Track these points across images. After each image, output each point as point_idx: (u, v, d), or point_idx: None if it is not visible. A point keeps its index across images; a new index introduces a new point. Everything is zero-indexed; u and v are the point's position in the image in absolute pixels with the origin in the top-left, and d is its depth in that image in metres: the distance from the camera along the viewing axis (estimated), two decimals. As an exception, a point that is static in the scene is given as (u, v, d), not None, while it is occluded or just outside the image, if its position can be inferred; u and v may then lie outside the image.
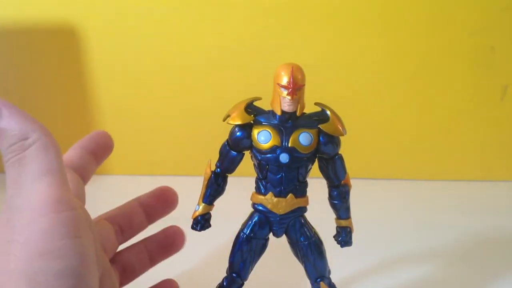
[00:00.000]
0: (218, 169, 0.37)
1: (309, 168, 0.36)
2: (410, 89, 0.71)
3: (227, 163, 0.37)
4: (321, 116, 0.35)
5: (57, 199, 0.25)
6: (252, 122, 0.35)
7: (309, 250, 0.37)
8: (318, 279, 0.38)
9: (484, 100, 0.72)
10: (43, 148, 0.25)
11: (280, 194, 0.36)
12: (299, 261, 0.39)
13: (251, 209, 0.37)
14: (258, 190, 0.36)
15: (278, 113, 0.34)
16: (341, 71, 0.70)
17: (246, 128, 0.35)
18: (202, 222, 0.38)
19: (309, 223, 0.38)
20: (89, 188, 0.33)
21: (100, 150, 0.34)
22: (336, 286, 0.39)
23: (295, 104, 0.34)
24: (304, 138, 0.34)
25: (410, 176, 0.75)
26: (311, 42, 0.68)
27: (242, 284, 0.38)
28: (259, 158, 0.35)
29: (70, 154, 0.33)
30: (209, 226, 0.38)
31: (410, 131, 0.73)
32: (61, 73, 0.71)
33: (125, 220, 0.34)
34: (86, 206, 0.29)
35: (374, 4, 0.67)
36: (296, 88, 0.33)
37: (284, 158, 0.34)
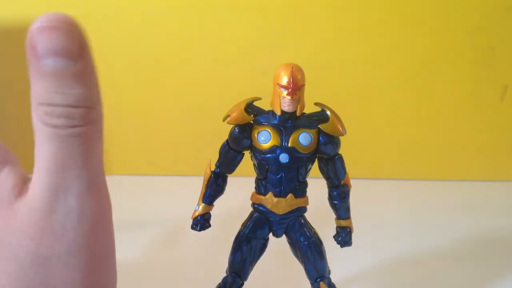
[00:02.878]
0: (218, 169, 0.37)
1: (309, 168, 0.36)
2: (410, 89, 0.71)
3: (227, 163, 0.37)
4: (321, 116, 0.35)
5: None
6: (252, 122, 0.35)
7: (309, 250, 0.37)
8: (318, 279, 0.38)
9: (484, 100, 0.72)
10: None
11: (280, 194, 0.36)
12: (299, 261, 0.39)
13: (251, 209, 0.37)
14: (258, 190, 0.36)
15: (278, 113, 0.34)
16: (341, 71, 0.70)
17: (246, 128, 0.35)
18: (202, 222, 0.38)
19: (309, 223, 0.38)
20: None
21: None
22: (336, 286, 0.39)
23: (295, 104, 0.34)
24: (304, 138, 0.34)
25: (410, 176, 0.75)
26: (311, 42, 0.68)
27: (242, 284, 0.38)
28: (259, 158, 0.35)
29: None
30: (209, 226, 0.38)
31: (410, 131, 0.73)
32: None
33: None
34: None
35: (374, 5, 0.67)
36: (296, 88, 0.33)
37: (284, 158, 0.34)
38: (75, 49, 0.18)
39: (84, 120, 0.18)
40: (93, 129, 0.18)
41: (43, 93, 0.18)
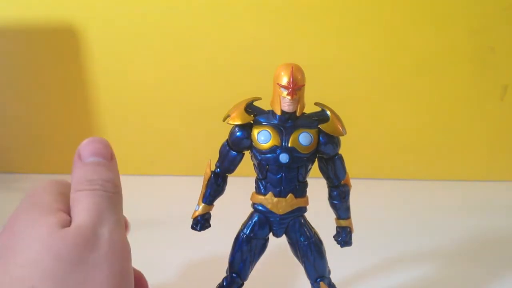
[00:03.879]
0: (218, 169, 0.37)
1: (309, 168, 0.36)
2: (410, 89, 0.71)
3: (227, 163, 0.37)
4: (321, 116, 0.35)
5: None
6: (252, 122, 0.35)
7: (309, 250, 0.37)
8: (318, 279, 0.38)
9: (484, 100, 0.72)
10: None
11: (280, 194, 0.35)
12: (299, 261, 0.39)
13: (251, 209, 0.37)
14: (258, 190, 0.36)
15: (278, 113, 0.34)
16: (341, 71, 0.70)
17: (246, 128, 0.35)
18: (202, 222, 0.38)
19: (309, 223, 0.38)
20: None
21: None
22: (336, 286, 0.39)
23: (295, 104, 0.34)
24: (304, 138, 0.34)
25: (410, 176, 0.75)
26: (311, 42, 0.68)
27: (242, 284, 0.38)
28: (259, 158, 0.35)
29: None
30: (209, 226, 0.38)
31: (410, 131, 0.73)
32: (61, 73, 0.71)
33: None
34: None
35: (374, 4, 0.67)
36: (296, 88, 0.33)
37: (284, 158, 0.34)
38: (108, 155, 0.30)
39: (112, 190, 0.28)
40: (115, 196, 0.28)
41: (83, 175, 0.28)
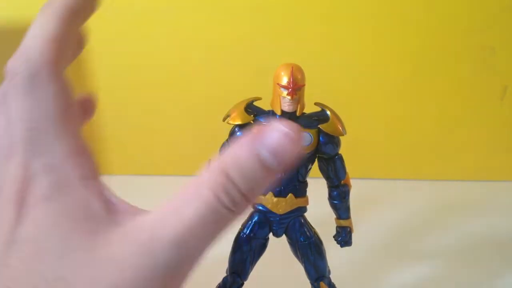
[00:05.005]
0: (218, 169, 0.37)
1: (309, 168, 0.36)
2: (410, 89, 0.71)
3: (227, 163, 0.37)
4: (321, 116, 0.35)
5: None
6: (252, 122, 0.35)
7: (309, 250, 0.37)
8: (318, 279, 0.38)
9: (484, 100, 0.72)
10: None
11: (280, 194, 0.36)
12: (299, 261, 0.39)
13: (251, 209, 0.37)
14: (258, 190, 0.36)
15: (278, 113, 0.34)
16: (341, 71, 0.69)
17: (246, 128, 0.35)
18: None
19: (309, 223, 0.38)
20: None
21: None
22: (336, 286, 0.39)
23: (295, 104, 0.34)
24: (304, 138, 0.34)
25: (410, 176, 0.75)
26: (311, 42, 0.68)
27: (242, 284, 0.38)
28: (259, 158, 0.35)
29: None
30: (209, 226, 0.38)
31: (410, 131, 0.73)
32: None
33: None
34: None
35: (373, 4, 0.67)
36: (296, 88, 0.33)
37: (284, 158, 0.34)
38: (285, 161, 0.19)
39: (238, 209, 0.19)
40: (234, 217, 0.20)
41: (237, 170, 0.19)
